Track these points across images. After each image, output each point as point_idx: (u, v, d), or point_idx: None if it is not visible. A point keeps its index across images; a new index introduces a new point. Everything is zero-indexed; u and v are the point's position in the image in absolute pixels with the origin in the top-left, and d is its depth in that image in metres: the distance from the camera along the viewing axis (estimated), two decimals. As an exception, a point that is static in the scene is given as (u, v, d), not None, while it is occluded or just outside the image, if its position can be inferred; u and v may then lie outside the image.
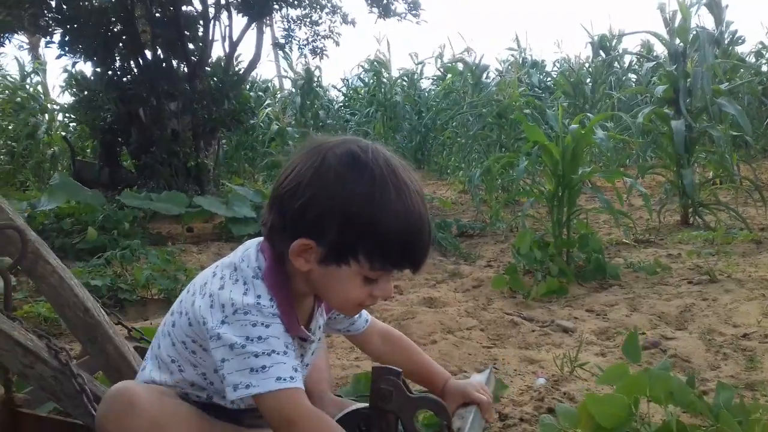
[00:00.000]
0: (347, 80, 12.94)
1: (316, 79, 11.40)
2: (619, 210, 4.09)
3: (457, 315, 2.89)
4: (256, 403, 1.15)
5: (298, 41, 8.09)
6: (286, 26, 7.92)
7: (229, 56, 6.90)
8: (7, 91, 10.31)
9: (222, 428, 1.25)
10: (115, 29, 6.24)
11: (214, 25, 6.72)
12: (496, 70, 9.02)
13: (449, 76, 9.61)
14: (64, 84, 9.20)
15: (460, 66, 8.44)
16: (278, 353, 1.14)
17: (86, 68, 7.62)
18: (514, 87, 6.22)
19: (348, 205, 1.12)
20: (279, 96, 12.33)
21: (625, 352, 1.75)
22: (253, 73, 9.30)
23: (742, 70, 6.97)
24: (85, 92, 6.76)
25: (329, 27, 8.14)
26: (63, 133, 9.42)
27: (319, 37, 8.14)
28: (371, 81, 11.69)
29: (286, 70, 12.12)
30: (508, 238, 4.76)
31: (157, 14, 6.30)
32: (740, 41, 7.36)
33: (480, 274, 3.70)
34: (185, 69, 6.53)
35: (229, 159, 9.64)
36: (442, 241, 4.56)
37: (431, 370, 1.52)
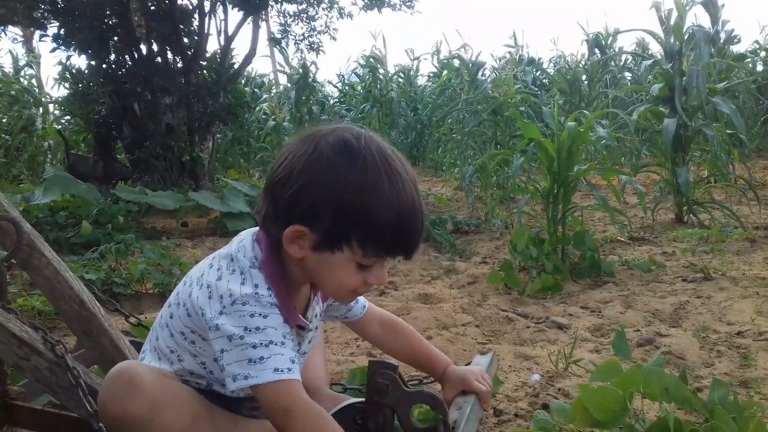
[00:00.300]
0: (343, 76, 12.92)
1: (311, 75, 11.38)
2: (615, 207, 4.09)
3: (452, 311, 2.90)
4: (254, 393, 1.16)
5: (295, 36, 8.07)
6: (283, 21, 7.89)
7: (225, 50, 6.87)
8: (1, 84, 10.25)
9: (221, 415, 1.26)
10: (110, 22, 6.21)
11: (210, 19, 6.69)
12: (492, 67, 9.03)
13: (445, 72, 9.61)
14: (58, 77, 9.16)
15: (456, 62, 8.44)
16: (276, 344, 1.14)
17: (81, 61, 7.60)
18: (510, 84, 6.22)
19: (340, 193, 1.13)
20: (274, 91, 12.30)
21: (615, 349, 1.75)
22: (249, 68, 9.29)
23: (736, 70, 6.97)
24: (80, 85, 6.73)
25: (326, 22, 8.12)
26: (57, 127, 9.37)
27: (315, 32, 8.11)
28: (367, 77, 11.66)
29: (281, 65, 12.08)
30: (503, 234, 4.77)
31: (152, 7, 6.28)
32: (736, 40, 7.37)
33: (475, 271, 3.71)
34: (180, 63, 6.51)
35: (224, 154, 9.62)
36: (438, 237, 4.56)
37: (431, 355, 1.52)
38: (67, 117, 9.04)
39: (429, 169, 9.40)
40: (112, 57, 6.33)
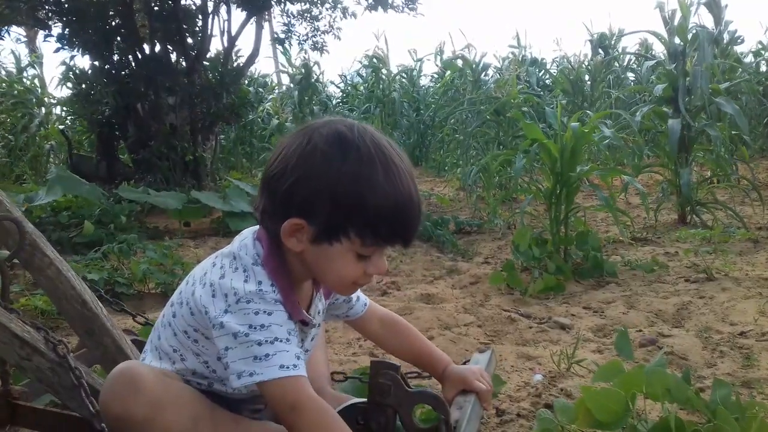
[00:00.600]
0: (345, 76, 12.92)
1: (315, 75, 11.38)
2: (617, 208, 4.09)
3: (454, 311, 2.90)
4: (260, 390, 1.16)
5: (298, 36, 8.07)
6: (286, 21, 7.89)
7: (228, 50, 6.88)
8: (3, 84, 10.28)
9: (222, 415, 1.26)
10: (114, 23, 6.23)
11: (213, 19, 6.71)
12: (495, 67, 9.02)
13: (448, 72, 9.60)
14: (61, 77, 9.18)
15: (459, 63, 8.43)
16: (281, 341, 1.14)
17: (84, 61, 7.61)
18: (513, 84, 6.22)
19: (335, 185, 1.13)
20: (277, 91, 12.31)
21: (617, 349, 1.75)
22: (252, 68, 9.29)
23: (739, 70, 6.96)
24: (83, 86, 6.74)
25: (329, 22, 8.12)
26: (60, 127, 9.39)
27: (319, 32, 8.12)
28: (370, 77, 11.67)
29: (284, 66, 12.09)
30: (505, 235, 4.77)
31: (156, 8, 6.29)
32: (739, 41, 7.36)
33: (477, 271, 3.71)
34: (184, 63, 6.53)
35: (227, 154, 9.63)
36: (440, 237, 4.56)
37: (431, 354, 1.52)
38: (71, 117, 9.05)
39: (431, 169, 9.40)
40: (116, 57, 6.35)
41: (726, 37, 6.99)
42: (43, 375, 1.36)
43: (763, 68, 8.91)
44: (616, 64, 9.50)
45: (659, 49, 8.57)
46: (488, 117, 6.06)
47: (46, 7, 5.99)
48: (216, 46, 7.02)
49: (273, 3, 6.97)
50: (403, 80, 11.57)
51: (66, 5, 5.95)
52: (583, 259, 3.56)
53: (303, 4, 7.80)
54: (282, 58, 12.01)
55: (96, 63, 6.41)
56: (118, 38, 6.27)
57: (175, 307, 1.29)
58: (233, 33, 6.83)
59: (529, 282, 3.31)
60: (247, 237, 1.27)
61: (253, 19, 6.96)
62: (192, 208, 5.20)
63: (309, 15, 8.03)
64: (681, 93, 4.81)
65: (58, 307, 1.61)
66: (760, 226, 4.56)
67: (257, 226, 1.28)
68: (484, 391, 1.43)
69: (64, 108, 9.54)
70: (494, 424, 1.81)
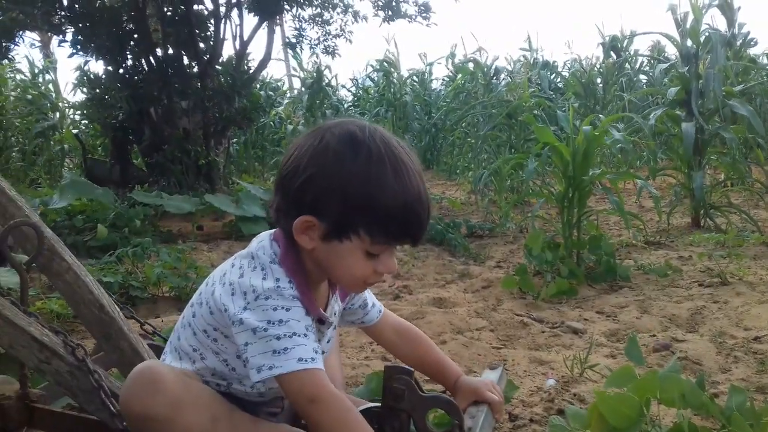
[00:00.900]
0: (356, 80, 12.96)
1: (327, 79, 11.42)
2: (630, 212, 4.07)
3: (466, 315, 2.90)
4: (279, 384, 1.17)
5: (310, 40, 8.11)
6: (298, 26, 7.93)
7: (240, 55, 6.91)
8: (18, 89, 10.38)
9: (241, 416, 1.27)
10: (127, 28, 6.28)
11: (225, 23, 6.74)
12: (507, 70, 9.01)
13: (459, 75, 9.60)
14: (76, 82, 9.26)
15: (471, 66, 8.43)
16: (299, 335, 1.16)
17: (98, 66, 7.68)
18: (524, 88, 6.21)
19: (345, 184, 1.16)
20: (288, 95, 12.35)
21: (628, 355, 1.75)
22: (264, 72, 9.34)
23: (753, 72, 6.92)
24: (97, 90, 6.79)
25: (341, 26, 8.15)
26: (75, 131, 9.47)
27: (330, 36, 8.15)
28: (381, 81, 11.69)
29: (296, 69, 12.13)
30: (517, 238, 4.76)
31: (169, 13, 6.33)
32: (753, 43, 7.32)
33: (489, 275, 3.70)
34: (196, 67, 6.56)
35: (240, 158, 9.68)
36: (452, 241, 4.56)
37: (444, 365, 1.53)
38: (85, 121, 9.13)
39: (443, 172, 9.39)
40: (129, 62, 6.40)
41: (739, 39, 6.96)
42: (61, 378, 1.38)
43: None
44: (628, 66, 9.47)
45: (672, 51, 8.55)
46: (501, 120, 6.05)
47: (60, 12, 6.05)
48: (228, 50, 7.05)
49: (285, 8, 7.00)
50: (415, 83, 11.58)
51: (79, 11, 6.00)
52: (595, 263, 3.55)
53: (314, 8, 7.84)
54: (293, 62, 12.06)
55: (109, 68, 6.46)
56: (131, 43, 6.32)
57: (195, 308, 1.31)
58: (245, 37, 6.87)
59: (541, 286, 3.30)
60: (264, 238, 1.30)
61: (264, 24, 7.00)
62: (204, 210, 5.24)
63: (320, 19, 8.07)
64: (694, 96, 4.80)
65: (76, 312, 1.63)
66: (775, 229, 4.53)
67: (274, 229, 1.31)
68: (497, 402, 1.44)
69: (79, 112, 9.62)
70: (507, 429, 1.82)
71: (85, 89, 7.49)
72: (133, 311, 1.89)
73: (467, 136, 7.63)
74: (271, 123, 10.32)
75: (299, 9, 7.52)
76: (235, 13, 6.79)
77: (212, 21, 6.66)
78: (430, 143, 10.45)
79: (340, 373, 1.68)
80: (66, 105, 10.36)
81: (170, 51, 6.47)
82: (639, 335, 2.58)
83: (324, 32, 8.14)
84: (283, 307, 1.17)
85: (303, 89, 11.50)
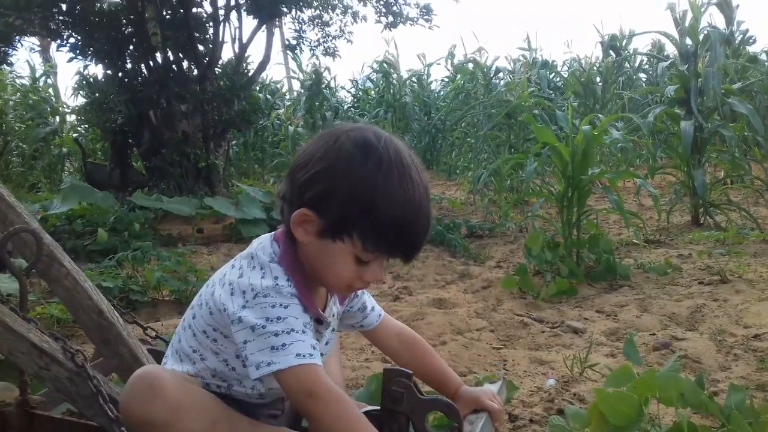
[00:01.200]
0: (356, 81, 12.97)
1: (327, 80, 11.42)
2: (629, 210, 4.08)
3: (466, 316, 2.90)
4: (278, 380, 1.18)
5: (309, 42, 8.11)
6: (297, 27, 7.94)
7: (239, 57, 6.92)
8: (18, 94, 10.39)
9: (240, 420, 1.28)
10: (126, 32, 6.28)
11: (224, 26, 6.76)
12: (506, 70, 9.01)
13: (459, 76, 9.61)
14: (76, 86, 9.27)
15: (470, 66, 8.43)
16: (297, 332, 1.17)
17: (98, 70, 7.68)
18: (524, 87, 6.21)
19: (350, 185, 1.16)
20: (288, 97, 12.36)
21: (626, 355, 1.75)
22: (263, 75, 9.35)
23: (752, 69, 6.92)
24: (96, 94, 6.81)
25: (340, 27, 8.16)
26: (74, 135, 9.48)
27: (330, 38, 8.15)
28: (380, 82, 11.70)
29: (295, 72, 12.14)
30: (517, 238, 4.76)
31: (168, 16, 6.34)
32: (751, 41, 7.32)
33: (489, 275, 3.71)
34: (196, 71, 6.57)
35: (239, 160, 9.69)
36: (452, 241, 4.57)
37: (444, 374, 1.53)
38: (84, 125, 9.14)
39: (443, 172, 9.40)
40: (128, 66, 6.41)
41: (738, 37, 6.96)
42: (61, 384, 1.38)
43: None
44: (627, 65, 9.47)
45: (671, 50, 8.54)
46: (500, 120, 6.05)
47: (59, 17, 6.05)
48: (227, 53, 7.06)
49: (284, 10, 7.01)
50: (414, 84, 11.59)
51: (78, 15, 6.00)
52: (595, 262, 3.55)
53: (314, 10, 7.85)
54: (293, 64, 12.07)
55: (109, 72, 6.48)
56: (131, 47, 6.33)
57: (195, 309, 1.32)
58: (244, 40, 6.88)
59: (541, 286, 3.31)
60: (264, 239, 1.31)
61: (264, 26, 7.00)
62: (204, 212, 5.25)
63: (320, 21, 8.08)
64: (693, 94, 4.80)
65: (75, 317, 1.63)
66: (775, 227, 4.53)
67: (275, 231, 1.32)
68: (497, 410, 1.44)
69: (78, 116, 9.64)
70: (507, 429, 1.82)
71: (84, 93, 7.50)
72: (135, 316, 1.90)
73: (467, 136, 7.64)
74: (271, 125, 10.33)
75: (298, 11, 7.52)
76: (234, 15, 6.81)
77: (211, 24, 6.68)
78: (430, 143, 10.46)
79: (340, 376, 1.68)
80: (66, 109, 10.38)
81: (169, 54, 6.49)
82: (639, 334, 2.58)
83: (323, 34, 8.14)
84: (281, 305, 1.18)
85: (302, 91, 11.51)
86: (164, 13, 6.31)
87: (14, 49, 6.60)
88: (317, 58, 9.29)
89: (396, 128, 10.73)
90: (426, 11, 7.70)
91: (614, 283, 3.42)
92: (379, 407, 1.38)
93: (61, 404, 1.63)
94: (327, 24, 8.10)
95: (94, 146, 9.26)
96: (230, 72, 6.78)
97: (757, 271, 3.43)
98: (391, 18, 7.65)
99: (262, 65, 7.27)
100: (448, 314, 2.92)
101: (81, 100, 8.75)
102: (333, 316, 1.40)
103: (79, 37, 6.08)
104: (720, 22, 6.04)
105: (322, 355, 1.35)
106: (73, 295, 1.58)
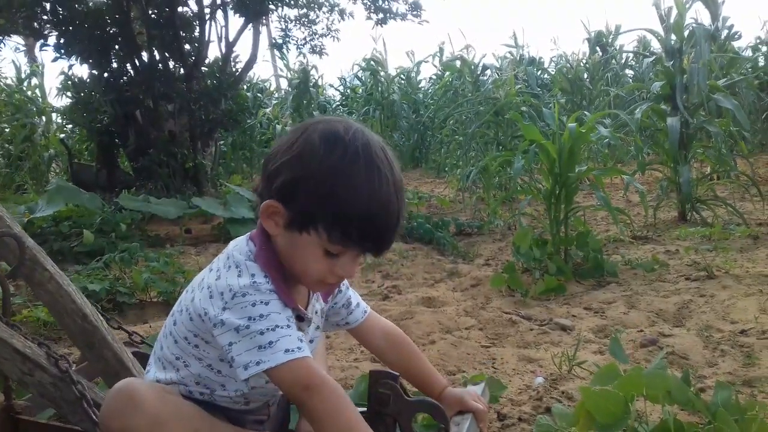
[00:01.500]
0: (344, 79, 12.95)
1: (314, 79, 11.40)
2: (617, 207, 4.09)
3: (455, 314, 2.90)
4: (270, 378, 1.16)
5: (296, 41, 8.09)
6: (284, 26, 7.91)
7: (226, 56, 6.89)
8: (3, 94, 10.29)
9: (223, 428, 1.27)
10: (111, 31, 6.24)
11: (210, 25, 6.72)
12: (494, 67, 9.02)
13: (447, 73, 9.61)
14: (60, 86, 9.20)
15: (458, 63, 8.43)
16: (281, 327, 1.16)
17: (83, 70, 7.63)
18: (511, 85, 6.22)
19: (312, 176, 1.16)
20: (276, 95, 12.33)
21: (612, 354, 1.76)
22: (250, 73, 9.32)
23: (738, 64, 6.96)
24: (82, 94, 6.76)
25: (327, 25, 8.15)
26: (60, 136, 9.41)
27: (316, 36, 8.14)
28: (368, 80, 11.68)
29: (282, 70, 12.12)
30: (506, 236, 4.77)
31: (153, 15, 6.29)
32: (737, 36, 7.37)
33: (478, 273, 3.71)
34: (182, 70, 6.53)
35: (227, 159, 9.65)
36: (440, 239, 4.57)
37: (430, 375, 1.53)
38: (70, 126, 9.07)
39: (431, 170, 9.40)
40: (114, 65, 6.36)
41: (723, 32, 7.00)
42: (45, 390, 1.37)
43: (761, 63, 8.90)
44: (614, 61, 9.50)
45: (657, 46, 8.58)
46: (489, 118, 6.06)
47: (43, 17, 6.00)
48: (214, 52, 7.04)
49: (270, 8, 6.98)
50: (402, 82, 11.58)
51: (62, 14, 5.95)
52: (583, 260, 3.56)
53: (300, 8, 7.82)
54: (280, 63, 12.04)
55: (94, 71, 6.43)
56: (116, 46, 6.28)
57: (176, 316, 1.31)
58: (231, 39, 6.85)
59: (530, 284, 3.31)
60: (240, 240, 1.31)
61: (250, 25, 6.97)
62: (192, 213, 5.22)
63: (306, 19, 8.05)
64: (679, 90, 4.82)
65: (59, 321, 1.62)
66: (761, 222, 4.56)
67: (251, 231, 1.32)
68: (482, 411, 1.44)
69: (64, 117, 9.56)
70: (496, 428, 1.82)
71: (69, 93, 7.44)
72: (120, 322, 1.88)
73: (455, 133, 7.64)
74: (259, 124, 10.29)
75: (285, 6, 7.49)
76: (220, 14, 6.79)
77: (197, 23, 6.63)
78: (419, 141, 10.46)
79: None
80: (51, 109, 10.28)
81: (155, 54, 6.44)
82: (626, 331, 2.59)
83: (310, 32, 8.12)
84: (261, 302, 1.17)
85: (290, 89, 11.48)
86: (150, 12, 6.27)
87: (-1, 49, 6.54)
88: (304, 57, 9.27)
89: (384, 126, 10.73)
90: (415, 7, 7.70)
91: (602, 280, 3.43)
92: (365, 408, 1.38)
93: (47, 409, 1.62)
94: (313, 22, 8.08)
95: (80, 147, 9.19)
96: (217, 71, 6.74)
97: (743, 266, 3.45)
98: (381, 15, 7.64)
99: (249, 64, 7.24)
100: (437, 313, 2.92)
101: (66, 101, 8.67)
102: (316, 313, 1.39)
103: (63, 37, 6.03)
104: (706, 18, 6.08)
105: None
106: (56, 299, 1.57)
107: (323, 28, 8.16)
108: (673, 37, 5.12)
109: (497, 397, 1.94)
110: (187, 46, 6.49)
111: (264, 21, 7.97)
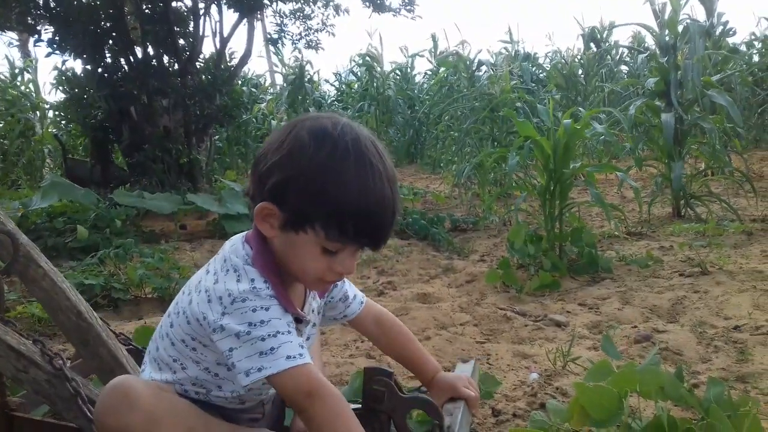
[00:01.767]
0: (340, 74, 12.93)
1: (310, 74, 11.38)
2: (611, 203, 4.10)
3: (450, 310, 2.91)
4: (272, 384, 1.17)
5: (291, 36, 8.07)
6: (279, 21, 7.89)
7: (220, 52, 6.87)
8: (-3, 89, 10.24)
9: (218, 425, 1.26)
10: (105, 26, 6.20)
11: (205, 20, 6.69)
12: (489, 62, 9.02)
13: (442, 69, 9.61)
14: (54, 82, 9.16)
15: (452, 59, 8.43)
16: (282, 333, 1.16)
17: (77, 66, 7.60)
18: (506, 80, 6.22)
19: (303, 174, 1.15)
20: (271, 91, 12.31)
21: (604, 350, 1.77)
22: (245, 69, 9.29)
23: (732, 62, 6.97)
24: (76, 90, 6.73)
25: (322, 20, 8.12)
26: (54, 131, 9.37)
27: (312, 31, 8.12)
28: (364, 75, 11.67)
29: (277, 65, 12.09)
30: (501, 232, 4.78)
31: (147, 10, 6.26)
32: (731, 32, 7.37)
33: (473, 269, 3.72)
34: (176, 65, 6.50)
35: (223, 155, 9.63)
36: (436, 235, 4.57)
37: (422, 360, 1.53)
38: (64, 121, 9.03)
39: (427, 166, 9.40)
40: (108, 61, 6.32)
41: (718, 28, 7.00)
42: (39, 387, 1.37)
43: (755, 59, 8.93)
44: (609, 57, 9.52)
45: (652, 42, 8.59)
46: (485, 114, 6.06)
47: (36, 12, 5.97)
48: (208, 47, 7.01)
49: (265, 2, 6.95)
50: (397, 77, 11.57)
51: (55, 9, 5.92)
52: (578, 256, 3.57)
53: (295, 3, 7.80)
54: (275, 58, 12.01)
55: (88, 67, 6.39)
56: (110, 41, 6.25)
57: (172, 317, 1.30)
58: (225, 34, 6.82)
59: (525, 280, 3.32)
60: (236, 241, 1.29)
61: (245, 20, 6.95)
62: (187, 208, 5.21)
63: (301, 14, 8.03)
64: (673, 86, 4.83)
65: (54, 318, 1.61)
66: (754, 218, 4.58)
67: (246, 231, 1.31)
68: (473, 398, 1.45)
69: (58, 113, 9.52)
70: (490, 424, 1.82)
71: (63, 89, 7.41)
72: (107, 322, 1.87)
73: (450, 129, 7.64)
74: (254, 119, 10.27)
75: (279, 4, 7.48)
76: (214, 9, 6.74)
77: (191, 18, 6.60)
78: (414, 137, 10.46)
79: (322, 372, 1.67)
80: (45, 105, 10.24)
81: (149, 49, 6.41)
82: (621, 327, 2.60)
83: (305, 27, 8.10)
84: (262, 307, 1.16)
85: (285, 85, 11.46)
86: (143, 7, 6.24)
87: (-9, 44, 6.50)
88: (299, 52, 9.26)
89: (380, 122, 10.73)
90: (408, 1, 7.68)
91: (596, 276, 3.44)
92: (360, 405, 1.38)
93: (42, 406, 1.62)
94: (308, 17, 8.06)
95: (74, 142, 9.15)
96: (212, 66, 6.72)
97: (737, 262, 3.47)
98: (373, 6, 7.62)
99: (244, 59, 7.21)
100: (432, 309, 2.92)
101: (60, 96, 8.64)
102: (313, 311, 1.39)
103: (57, 32, 6.00)
104: (701, 13, 6.08)
105: None
106: (51, 297, 1.57)
107: (318, 23, 8.13)
108: (668, 33, 5.12)
109: (492, 393, 1.95)
110: (181, 42, 6.46)
111: (259, 16, 7.93)
